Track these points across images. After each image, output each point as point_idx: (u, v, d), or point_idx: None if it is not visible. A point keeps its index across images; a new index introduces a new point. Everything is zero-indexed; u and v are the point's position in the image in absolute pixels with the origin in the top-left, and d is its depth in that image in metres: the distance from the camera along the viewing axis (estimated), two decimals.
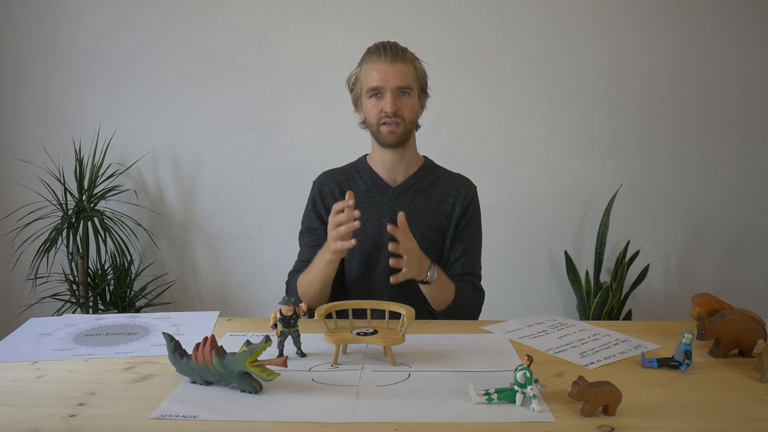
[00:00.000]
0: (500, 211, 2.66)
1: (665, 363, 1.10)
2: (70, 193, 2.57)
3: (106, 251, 2.59)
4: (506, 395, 0.95)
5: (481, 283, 1.58)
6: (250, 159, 2.69)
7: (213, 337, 1.02)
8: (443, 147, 2.60)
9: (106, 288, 2.62)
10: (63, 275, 2.63)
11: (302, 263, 1.53)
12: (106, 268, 2.63)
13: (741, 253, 2.70)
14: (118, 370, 1.11)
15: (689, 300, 1.26)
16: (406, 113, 1.45)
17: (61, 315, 1.83)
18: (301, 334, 1.16)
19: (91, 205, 2.54)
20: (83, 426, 0.89)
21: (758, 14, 2.55)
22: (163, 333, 1.07)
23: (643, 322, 1.43)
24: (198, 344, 1.02)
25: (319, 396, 0.99)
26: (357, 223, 1.29)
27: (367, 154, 1.61)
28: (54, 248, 2.47)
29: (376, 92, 1.45)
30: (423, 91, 1.52)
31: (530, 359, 0.95)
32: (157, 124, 2.69)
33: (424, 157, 1.62)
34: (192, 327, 1.35)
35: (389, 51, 1.43)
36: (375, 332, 1.14)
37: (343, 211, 1.29)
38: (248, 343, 0.99)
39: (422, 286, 1.41)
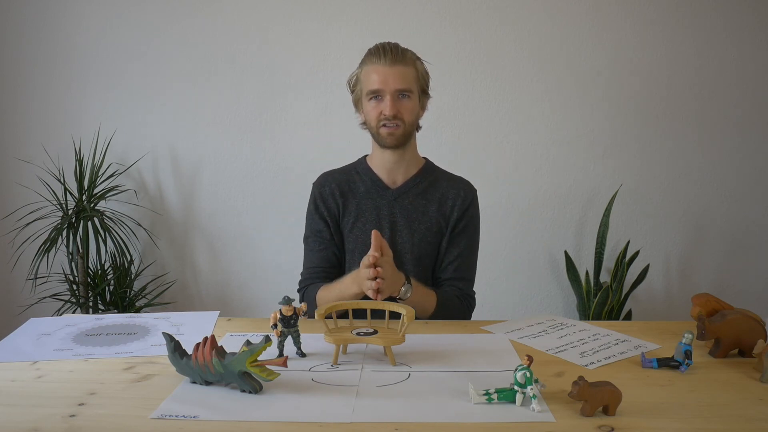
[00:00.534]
0: (500, 211, 2.66)
1: (665, 363, 1.10)
2: (70, 193, 2.58)
3: (106, 251, 2.59)
4: (506, 395, 0.95)
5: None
6: (250, 159, 2.69)
7: (213, 337, 1.02)
8: (443, 147, 2.60)
9: (106, 288, 2.62)
10: (63, 275, 2.63)
11: (313, 270, 1.53)
12: (106, 268, 2.63)
13: (741, 253, 2.70)
14: (118, 370, 1.11)
15: (689, 300, 1.26)
16: (405, 116, 1.45)
17: (61, 315, 1.83)
18: (301, 334, 1.16)
19: (91, 205, 2.54)
20: (83, 426, 0.89)
21: (758, 14, 2.55)
22: (163, 333, 1.07)
23: (643, 322, 1.43)
24: (198, 344, 1.02)
25: (319, 396, 0.99)
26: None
27: (367, 155, 1.61)
28: (54, 248, 2.47)
29: (376, 94, 1.44)
30: (424, 93, 1.51)
31: (530, 359, 0.95)
32: (157, 124, 2.69)
33: (424, 158, 1.61)
34: (192, 327, 1.35)
35: (389, 53, 1.42)
36: (375, 332, 1.14)
37: (375, 265, 1.27)
38: (248, 343, 0.99)
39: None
